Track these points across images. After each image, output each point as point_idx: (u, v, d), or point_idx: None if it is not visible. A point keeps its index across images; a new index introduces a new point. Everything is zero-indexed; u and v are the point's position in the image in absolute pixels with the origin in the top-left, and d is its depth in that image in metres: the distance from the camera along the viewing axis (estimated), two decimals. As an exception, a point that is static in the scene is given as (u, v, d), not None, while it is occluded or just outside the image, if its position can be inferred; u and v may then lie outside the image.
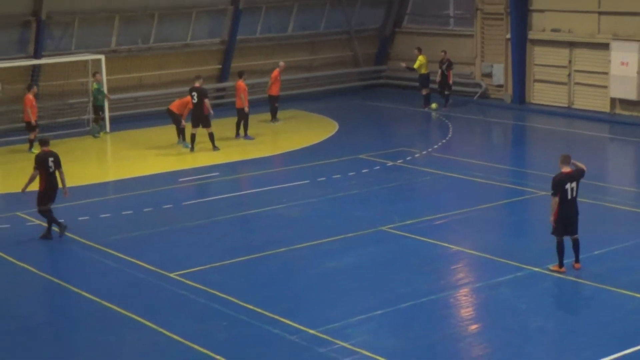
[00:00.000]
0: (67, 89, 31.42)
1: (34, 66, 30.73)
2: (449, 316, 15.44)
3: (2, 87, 29.75)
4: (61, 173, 19.84)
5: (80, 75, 31.41)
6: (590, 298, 16.08)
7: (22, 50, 31.12)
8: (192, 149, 27.67)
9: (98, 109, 30.22)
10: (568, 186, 16.68)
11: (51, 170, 19.63)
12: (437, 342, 14.35)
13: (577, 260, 17.13)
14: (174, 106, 28.29)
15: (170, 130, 29.40)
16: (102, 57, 30.89)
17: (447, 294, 16.25)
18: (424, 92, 34.59)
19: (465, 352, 14.09)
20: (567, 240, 16.98)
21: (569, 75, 33.51)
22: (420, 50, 34.68)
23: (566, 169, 16.86)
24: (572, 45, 33.27)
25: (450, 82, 34.43)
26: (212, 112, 27.89)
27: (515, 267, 17.28)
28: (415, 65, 34.37)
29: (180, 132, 28.38)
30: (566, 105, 33.68)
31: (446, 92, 34.44)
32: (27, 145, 28.11)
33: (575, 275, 16.84)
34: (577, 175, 16.89)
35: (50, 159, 19.64)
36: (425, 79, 34.53)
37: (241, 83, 29.44)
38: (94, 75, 30.25)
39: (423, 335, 14.55)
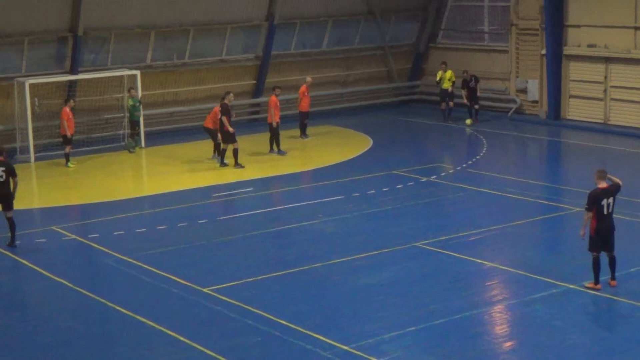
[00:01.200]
0: (102, 104, 31.70)
1: (70, 82, 31.01)
2: (484, 333, 15.36)
3: (38, 102, 30.03)
4: (15, 182, 20.18)
5: (116, 91, 31.69)
6: (626, 315, 15.93)
7: (59, 65, 31.43)
8: (222, 163, 27.67)
9: (134, 124, 30.43)
10: (604, 202, 16.57)
11: (2, 179, 19.92)
12: (471, 359, 14.26)
13: (613, 278, 16.99)
14: (207, 122, 28.40)
15: (205, 145, 29.55)
16: (138, 72, 31.12)
17: (482, 310, 16.17)
18: (443, 106, 35.17)
19: (499, 369, 14.02)
20: (603, 257, 16.85)
21: (605, 90, 33.31)
22: (445, 65, 35.10)
23: (602, 185, 16.75)
24: (607, 60, 33.09)
25: (478, 94, 34.40)
26: (231, 129, 27.45)
27: (550, 284, 17.16)
28: (437, 78, 35.16)
29: (217, 147, 28.39)
30: (602, 121, 33.47)
31: (476, 107, 34.40)
32: (64, 160, 28.36)
33: (611, 292, 16.69)
34: (613, 190, 16.78)
35: (1, 169, 19.95)
36: (444, 94, 35.03)
37: (273, 97, 29.51)
38: (128, 91, 30.47)
39: (457, 352, 14.47)
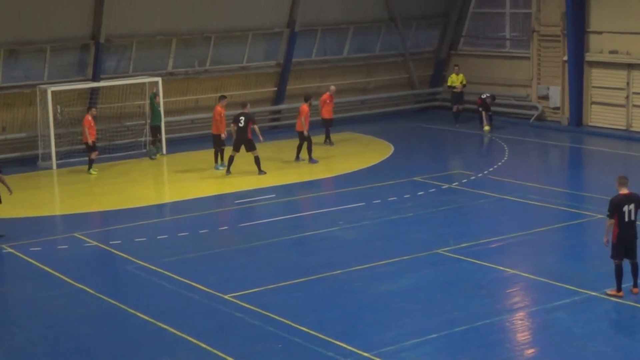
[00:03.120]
0: (124, 111, 31.86)
1: (92, 89, 31.16)
2: (505, 340, 15.29)
3: (61, 109, 30.19)
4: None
5: (138, 98, 31.82)
6: (649, 323, 15.85)
7: (81, 73, 31.59)
8: (228, 171, 27.74)
9: (155, 130, 30.51)
10: (626, 208, 16.48)
11: None
12: (492, 366, 14.23)
13: (635, 285, 16.90)
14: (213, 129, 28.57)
15: (225, 153, 29.62)
16: (159, 79, 31.24)
17: (503, 317, 16.10)
18: (454, 109, 35.85)
19: (521, 377, 13.96)
20: (626, 264, 16.76)
21: (627, 97, 33.16)
22: (458, 68, 36.26)
23: (624, 191, 16.67)
24: (630, 67, 32.93)
25: (490, 108, 34.80)
26: (262, 138, 27.89)
27: (572, 291, 17.07)
28: (448, 83, 36.08)
29: (216, 153, 28.49)
30: (624, 128, 33.31)
31: (489, 113, 34.54)
32: (86, 167, 28.50)
33: (634, 300, 16.59)
34: (636, 197, 16.68)
35: None
36: (455, 97, 36.00)
37: (305, 106, 29.29)
38: (155, 96, 30.52)
39: (478, 360, 14.45)
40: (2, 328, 16.32)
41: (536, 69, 35.94)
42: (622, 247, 16.61)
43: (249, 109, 28.23)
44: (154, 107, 30.33)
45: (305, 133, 28.95)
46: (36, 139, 30.05)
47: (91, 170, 28.23)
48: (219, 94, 34.04)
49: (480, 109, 34.71)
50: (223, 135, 28.35)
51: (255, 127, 27.58)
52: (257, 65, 35.22)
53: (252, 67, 35.12)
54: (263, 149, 29.14)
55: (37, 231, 22.22)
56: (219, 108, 28.72)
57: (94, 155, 28.29)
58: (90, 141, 28.18)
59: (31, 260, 19.86)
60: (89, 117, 28.31)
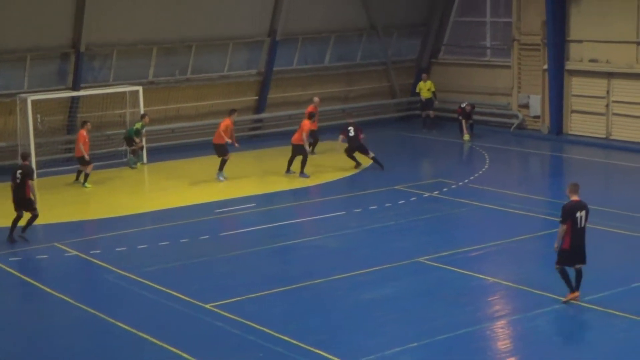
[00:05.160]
0: (105, 120, 31.72)
1: (72, 98, 31.06)
2: (486, 348, 15.31)
3: (41, 119, 30.07)
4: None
5: (118, 107, 31.72)
6: (627, 331, 15.85)
7: (61, 82, 31.48)
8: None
9: (130, 140, 30.27)
10: (578, 214, 16.60)
11: (18, 181, 21.59)
12: (473, 375, 14.24)
13: (577, 289, 16.96)
14: (215, 139, 28.40)
15: (207, 161, 29.60)
16: (140, 88, 31.18)
17: (484, 326, 16.12)
18: (423, 115, 37.03)
19: (502, 385, 13.97)
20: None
21: (607, 105, 33.31)
22: (426, 75, 37.49)
23: (575, 197, 16.79)
24: (610, 75, 33.10)
25: (471, 117, 34.96)
26: (237, 144, 28.32)
27: (553, 299, 17.09)
28: (417, 90, 37.41)
29: (223, 162, 28.35)
30: (604, 136, 33.46)
31: (470, 122, 34.71)
32: (70, 176, 28.36)
33: (615, 308, 16.62)
34: (585, 205, 16.81)
35: (19, 171, 21.62)
36: (424, 104, 37.06)
37: (307, 122, 28.90)
38: (143, 117, 30.30)
39: (459, 368, 14.45)
40: (-19, 338, 16.21)
41: (517, 77, 36.07)
42: (573, 254, 16.69)
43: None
44: (142, 129, 30.12)
45: (307, 148, 28.68)
46: (16, 149, 29.86)
47: (86, 184, 27.95)
48: (199, 103, 34.14)
49: (460, 117, 34.79)
50: (237, 145, 28.23)
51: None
52: (238, 74, 35.20)
53: (233, 76, 35.09)
54: (244, 157, 29.10)
55: (16, 241, 22.07)
56: (228, 121, 28.49)
57: (89, 169, 27.99)
58: (86, 156, 27.89)
59: (11, 270, 19.75)
60: (84, 132, 28.05)
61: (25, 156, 22.68)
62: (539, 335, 15.77)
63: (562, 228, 16.68)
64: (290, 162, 28.96)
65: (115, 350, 15.57)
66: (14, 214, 21.91)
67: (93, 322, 16.78)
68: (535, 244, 21.25)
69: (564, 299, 16.89)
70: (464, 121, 34.65)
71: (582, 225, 16.68)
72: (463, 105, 34.86)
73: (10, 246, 21.48)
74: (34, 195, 21.85)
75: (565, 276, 16.78)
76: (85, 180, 28.01)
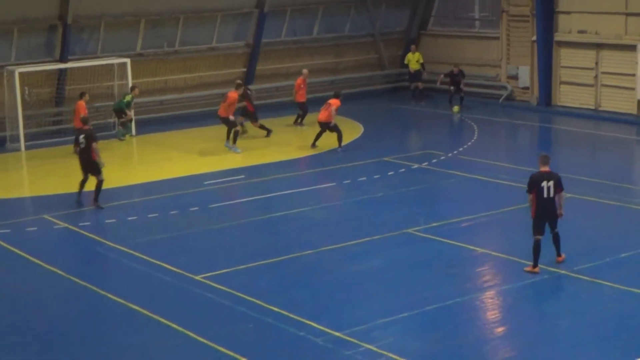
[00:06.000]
0: (93, 92, 31.50)
1: (60, 70, 30.91)
2: (475, 319, 15.39)
3: (28, 91, 29.93)
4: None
5: (106, 79, 31.57)
6: (616, 301, 15.94)
7: (48, 54, 31.32)
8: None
9: (120, 112, 30.20)
10: (545, 184, 16.78)
11: (82, 146, 22.18)
12: (463, 345, 14.30)
13: (559, 254, 17.25)
14: (221, 111, 28.28)
15: (194, 133, 29.56)
16: (128, 60, 31.04)
17: (473, 296, 16.19)
18: (412, 87, 36.96)
19: (491, 355, 14.03)
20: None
21: (596, 77, 33.32)
22: (415, 47, 37.46)
23: (545, 169, 16.96)
24: (598, 46, 33.08)
25: (462, 87, 34.60)
26: (232, 117, 28.19)
27: (542, 269, 17.15)
28: (405, 62, 37.31)
29: (235, 134, 28.34)
30: (593, 108, 33.49)
31: (461, 95, 34.55)
32: (55, 149, 28.30)
33: (604, 278, 16.71)
34: (555, 176, 16.97)
35: (82, 136, 22.21)
36: (412, 75, 37.01)
37: (336, 100, 28.67)
38: (132, 89, 30.16)
39: (449, 338, 14.51)
40: (-29, 311, 16.21)
41: (505, 49, 36.03)
42: (539, 223, 16.92)
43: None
44: (131, 101, 30.00)
45: (332, 123, 28.57)
46: (4, 121, 29.77)
47: None
48: (188, 75, 34.02)
49: (450, 85, 34.57)
50: (232, 118, 28.20)
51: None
52: (226, 45, 35.08)
53: (222, 48, 34.96)
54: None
55: (5, 213, 22.06)
56: (235, 94, 28.47)
57: None
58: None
59: (0, 242, 19.72)
60: (83, 103, 28.03)
61: (86, 121, 23.04)
62: (528, 305, 15.87)
63: (529, 197, 16.93)
64: (317, 137, 28.67)
65: (106, 321, 15.61)
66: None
67: (83, 294, 16.79)
68: (524, 214, 21.06)
69: (526, 269, 17.09)
70: (452, 89, 34.47)
71: (549, 195, 16.83)
72: (453, 70, 34.52)
73: (7, 217, 21.48)
74: (98, 157, 22.19)
75: (535, 248, 16.95)
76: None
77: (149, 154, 28.61)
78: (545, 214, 16.94)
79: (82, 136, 22.26)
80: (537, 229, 16.97)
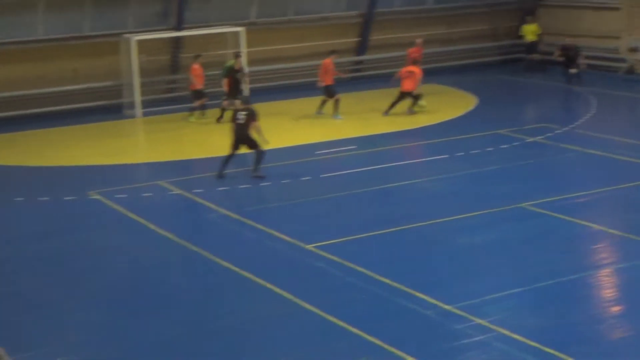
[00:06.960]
0: (206, 60, 31.75)
1: (175, 38, 31.25)
2: (590, 296, 15.05)
3: (146, 58, 30.34)
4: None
5: (219, 47, 31.76)
6: None
7: (164, 22, 31.68)
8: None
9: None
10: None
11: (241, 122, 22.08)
12: (577, 323, 13.96)
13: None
14: (320, 81, 28.41)
15: (307, 103, 29.56)
16: (242, 29, 31.18)
17: (588, 273, 15.82)
18: (528, 58, 36.60)
19: (607, 333, 13.68)
20: None
21: None
22: (532, 17, 36.99)
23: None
24: None
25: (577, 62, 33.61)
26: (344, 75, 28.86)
27: (661, 248, 16.68)
28: (521, 32, 36.91)
29: (336, 102, 28.39)
30: None
31: (572, 70, 33.49)
32: (171, 116, 28.65)
33: None
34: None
35: (244, 112, 22.16)
36: (528, 47, 36.62)
37: (418, 69, 28.90)
38: (237, 56, 30.00)
39: (563, 315, 14.18)
40: (88, 272, 16.53)
41: (626, 20, 35.00)
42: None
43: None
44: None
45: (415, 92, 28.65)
46: (121, 88, 30.28)
47: (191, 118, 28.56)
48: (300, 44, 34.00)
49: (563, 58, 33.76)
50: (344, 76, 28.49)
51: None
52: (339, 15, 34.94)
53: (335, 18, 34.84)
54: (345, 99, 29.03)
55: (122, 178, 22.46)
56: (328, 61, 28.68)
57: (198, 103, 28.59)
58: (199, 88, 28.46)
59: (117, 207, 20.09)
60: (197, 66, 28.51)
61: (247, 100, 23.17)
62: (645, 284, 15.44)
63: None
64: (392, 105, 28.67)
65: (216, 287, 15.75)
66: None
67: (195, 259, 16.97)
68: (642, 191, 20.73)
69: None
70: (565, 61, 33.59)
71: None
72: (566, 43, 33.69)
73: (116, 183, 21.81)
74: (261, 135, 22.17)
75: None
76: (191, 113, 28.51)
77: (261, 124, 28.63)
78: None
79: (244, 113, 22.14)
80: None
